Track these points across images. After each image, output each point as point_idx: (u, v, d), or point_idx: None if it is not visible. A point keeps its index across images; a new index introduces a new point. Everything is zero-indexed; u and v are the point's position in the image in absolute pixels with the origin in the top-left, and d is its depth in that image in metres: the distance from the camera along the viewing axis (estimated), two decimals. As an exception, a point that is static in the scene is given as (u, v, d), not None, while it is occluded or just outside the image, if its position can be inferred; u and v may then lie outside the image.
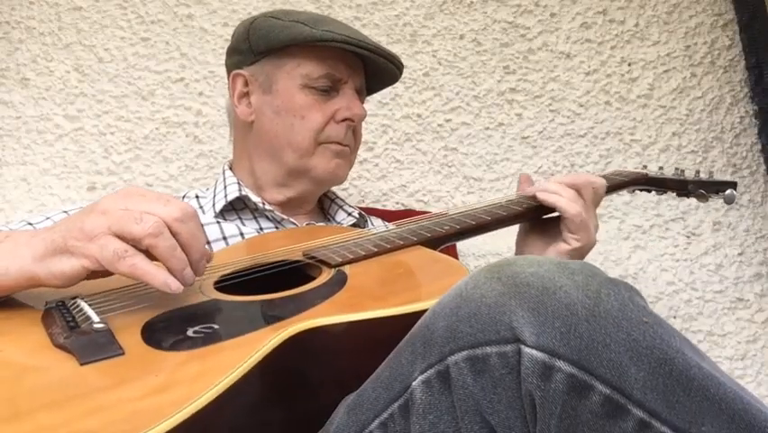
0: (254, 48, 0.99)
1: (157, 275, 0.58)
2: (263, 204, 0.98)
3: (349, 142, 1.00)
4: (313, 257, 0.75)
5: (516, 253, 0.94)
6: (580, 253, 0.88)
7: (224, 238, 0.93)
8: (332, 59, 0.98)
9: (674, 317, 1.37)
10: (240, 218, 0.99)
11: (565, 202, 0.87)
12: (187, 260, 0.61)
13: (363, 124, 1.08)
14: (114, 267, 0.58)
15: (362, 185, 1.37)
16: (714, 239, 1.42)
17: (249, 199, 0.98)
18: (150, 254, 0.60)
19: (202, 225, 0.91)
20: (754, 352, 1.37)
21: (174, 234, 0.60)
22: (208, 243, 0.92)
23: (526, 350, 0.46)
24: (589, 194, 0.89)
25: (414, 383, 0.50)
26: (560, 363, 0.45)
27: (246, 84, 1.01)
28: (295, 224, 0.98)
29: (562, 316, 0.46)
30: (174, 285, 0.59)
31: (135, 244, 0.59)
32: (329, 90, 0.98)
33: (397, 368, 0.52)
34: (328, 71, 0.97)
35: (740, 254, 1.42)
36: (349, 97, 0.99)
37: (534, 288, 0.48)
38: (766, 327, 1.38)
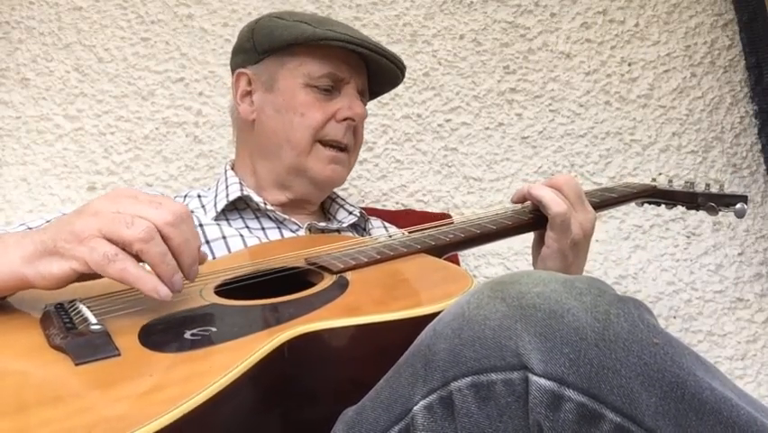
0: (258, 47, 1.00)
1: (147, 281, 0.57)
2: (265, 204, 0.98)
3: (348, 142, 1.00)
4: (315, 263, 0.75)
5: (534, 255, 0.94)
6: (576, 249, 0.86)
7: (224, 237, 0.93)
8: (334, 59, 0.98)
9: (674, 317, 1.37)
10: (242, 218, 0.99)
11: (550, 199, 0.86)
12: (176, 266, 0.60)
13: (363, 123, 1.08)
14: (103, 270, 0.57)
15: (362, 185, 1.37)
16: (714, 239, 1.42)
17: (251, 199, 0.98)
18: (140, 259, 0.59)
19: (196, 227, 0.91)
20: (754, 352, 1.37)
21: (165, 239, 0.59)
22: (207, 242, 0.92)
23: (534, 378, 0.44)
24: (571, 191, 0.87)
25: (415, 408, 0.48)
26: (569, 392, 0.43)
27: (249, 83, 1.02)
28: (297, 224, 0.98)
29: (571, 341, 0.44)
30: (163, 292, 0.58)
31: (125, 247, 0.58)
32: (331, 90, 0.99)
33: (398, 388, 0.50)
34: (330, 71, 0.98)
35: (740, 254, 1.42)
36: (350, 97, 0.99)
37: (541, 311, 0.46)
38: (766, 327, 1.38)
